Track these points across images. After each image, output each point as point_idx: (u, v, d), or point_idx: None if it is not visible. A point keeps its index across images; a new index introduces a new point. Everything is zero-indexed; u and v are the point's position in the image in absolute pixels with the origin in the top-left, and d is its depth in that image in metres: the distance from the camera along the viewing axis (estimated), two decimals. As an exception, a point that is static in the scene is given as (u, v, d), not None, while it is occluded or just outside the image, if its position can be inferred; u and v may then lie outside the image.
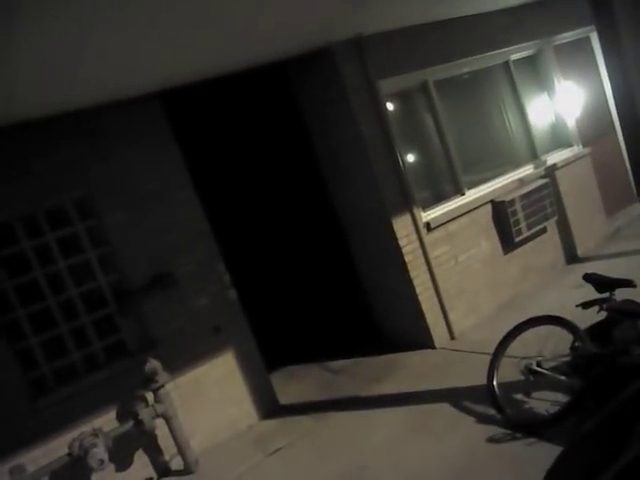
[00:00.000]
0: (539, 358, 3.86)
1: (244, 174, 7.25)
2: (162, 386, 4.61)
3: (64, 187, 4.62)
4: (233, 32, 3.99)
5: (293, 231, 7.16)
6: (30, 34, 2.71)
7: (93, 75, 3.75)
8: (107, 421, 4.59)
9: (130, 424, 4.47)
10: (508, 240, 6.29)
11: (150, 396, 4.65)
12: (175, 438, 4.70)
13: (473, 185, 6.28)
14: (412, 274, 5.59)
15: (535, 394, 3.95)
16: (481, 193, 6.27)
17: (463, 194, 6.17)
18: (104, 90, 4.30)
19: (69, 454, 4.15)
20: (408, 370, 5.42)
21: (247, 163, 7.13)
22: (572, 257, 6.97)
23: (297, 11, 4.07)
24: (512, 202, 6.19)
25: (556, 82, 7.17)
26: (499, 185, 6.42)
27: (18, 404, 4.31)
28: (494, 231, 6.30)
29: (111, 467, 4.54)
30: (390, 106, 5.81)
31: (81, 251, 4.77)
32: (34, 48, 2.91)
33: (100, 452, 4.11)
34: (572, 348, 3.70)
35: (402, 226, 5.57)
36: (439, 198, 6.08)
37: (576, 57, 7.53)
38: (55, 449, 4.32)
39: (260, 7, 3.64)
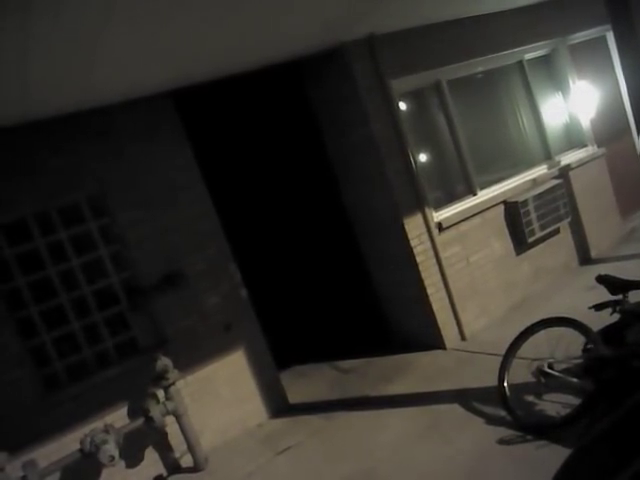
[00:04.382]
0: (551, 360, 3.83)
1: (256, 173, 7.27)
2: (173, 383, 4.63)
3: (78, 185, 4.67)
4: (247, 32, 4.00)
5: (304, 230, 7.16)
6: (44, 34, 2.74)
7: (107, 75, 3.78)
8: (118, 418, 4.63)
9: (141, 421, 4.50)
10: (521, 241, 6.25)
11: (161, 393, 4.68)
12: (185, 435, 4.73)
13: (486, 185, 6.24)
14: (423, 274, 5.57)
15: (546, 396, 3.92)
16: (494, 193, 6.23)
17: (475, 194, 6.13)
18: (117, 89, 4.34)
19: (80, 450, 4.18)
20: (418, 370, 5.40)
21: (259, 162, 7.15)
22: (585, 258, 6.91)
23: (312, 11, 4.07)
24: (525, 202, 6.14)
25: (571, 82, 7.10)
26: (512, 185, 6.37)
27: (31, 400, 4.36)
28: (506, 232, 6.25)
29: (122, 463, 4.58)
30: (402, 105, 5.79)
31: (94, 249, 4.81)
32: (48, 48, 2.94)
33: (111, 448, 4.14)
34: (584, 350, 3.66)
35: (414, 226, 5.55)
36: (451, 198, 6.04)
37: (591, 57, 7.45)
38: (67, 445, 4.36)
39: (275, 7, 3.65)
